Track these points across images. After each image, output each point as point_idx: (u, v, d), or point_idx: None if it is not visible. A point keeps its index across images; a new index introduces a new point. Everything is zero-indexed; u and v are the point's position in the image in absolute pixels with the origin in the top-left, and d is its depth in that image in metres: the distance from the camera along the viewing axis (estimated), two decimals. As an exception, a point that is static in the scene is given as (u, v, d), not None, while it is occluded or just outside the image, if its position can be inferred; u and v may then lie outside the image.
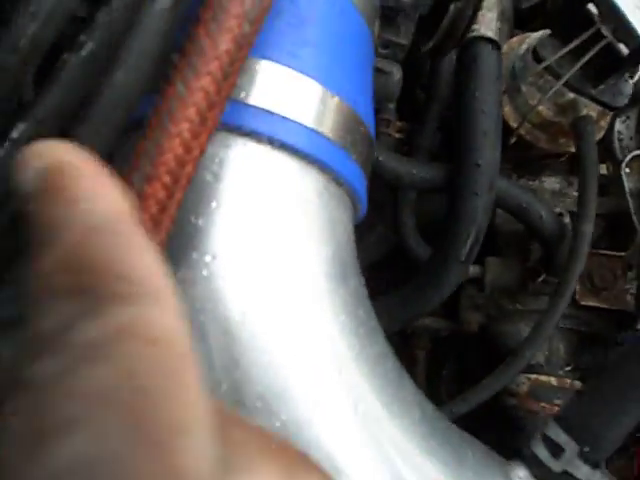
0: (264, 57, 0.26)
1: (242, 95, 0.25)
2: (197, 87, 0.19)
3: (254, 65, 0.25)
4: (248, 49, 0.21)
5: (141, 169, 0.19)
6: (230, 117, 0.24)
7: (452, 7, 0.36)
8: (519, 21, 0.55)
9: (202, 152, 0.20)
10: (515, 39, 0.49)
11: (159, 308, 0.13)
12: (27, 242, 0.15)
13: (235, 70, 0.20)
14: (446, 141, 0.57)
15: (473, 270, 0.55)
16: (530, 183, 0.57)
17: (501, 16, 0.44)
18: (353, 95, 0.29)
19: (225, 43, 0.20)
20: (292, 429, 0.23)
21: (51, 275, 0.13)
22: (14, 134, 0.20)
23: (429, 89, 0.55)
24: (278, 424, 0.23)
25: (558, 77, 0.42)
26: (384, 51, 0.41)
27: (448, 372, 0.68)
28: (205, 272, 0.24)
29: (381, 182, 0.49)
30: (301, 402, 0.23)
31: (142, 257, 0.14)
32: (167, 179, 0.19)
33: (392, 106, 0.52)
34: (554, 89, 0.41)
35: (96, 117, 0.19)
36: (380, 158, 0.45)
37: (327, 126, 0.27)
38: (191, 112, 0.19)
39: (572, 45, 0.40)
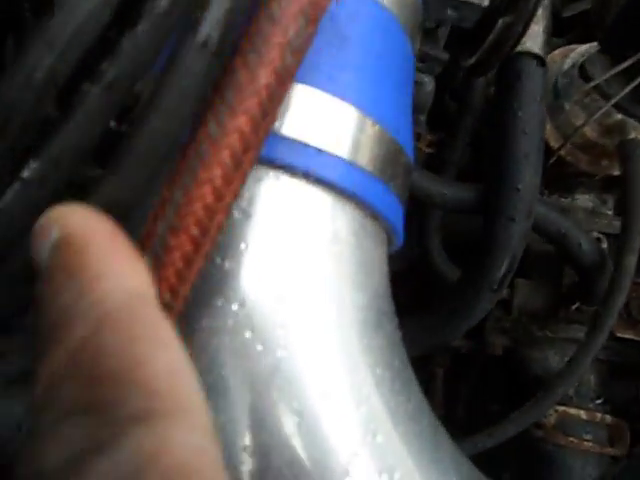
0: (300, 81, 0.23)
1: (276, 124, 0.22)
2: (232, 127, 0.17)
3: (289, 90, 0.23)
4: (290, 82, 0.18)
5: (166, 219, 0.17)
6: (262, 148, 0.22)
7: (500, 21, 0.33)
8: (557, 29, 0.52)
9: (235, 198, 0.18)
10: (557, 52, 0.47)
11: (186, 429, 0.11)
12: (35, 333, 0.13)
13: (275, 107, 0.18)
14: (476, 155, 0.55)
15: (501, 292, 0.53)
16: (562, 200, 0.55)
17: (546, 29, 0.41)
18: (394, 121, 0.26)
19: (265, 77, 0.17)
20: (322, 501, 0.21)
21: (58, 384, 0.12)
22: (25, 173, 0.17)
23: (462, 99, 0.52)
24: (307, 495, 0.21)
25: (606, 97, 0.39)
26: (421, 64, 0.39)
27: (467, 390, 0.65)
28: (231, 322, 0.21)
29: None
30: (333, 471, 0.21)
31: (163, 358, 0.12)
32: (195, 231, 0.17)
33: (423, 118, 0.49)
34: (602, 110, 0.38)
35: (129, 167, 0.16)
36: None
37: (366, 158, 0.24)
38: (224, 156, 0.17)
39: (624, 65, 0.37)
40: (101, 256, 0.14)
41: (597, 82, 0.39)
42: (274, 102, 0.18)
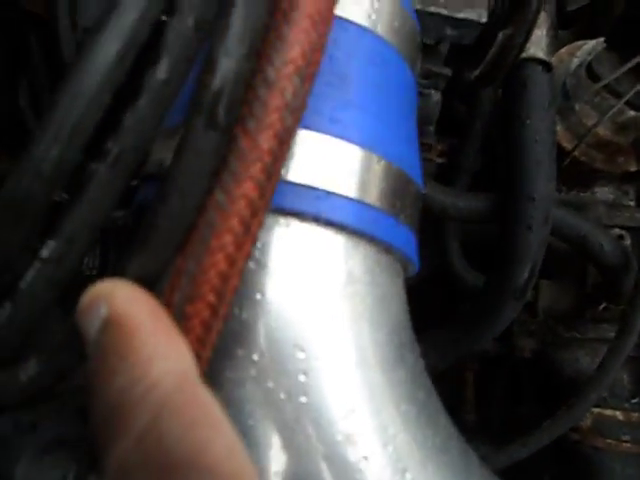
0: (303, 126, 0.23)
1: (282, 172, 0.23)
2: (239, 195, 0.17)
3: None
4: (290, 141, 0.19)
5: (182, 289, 0.17)
6: (271, 197, 0.22)
7: (500, 35, 0.33)
8: (563, 22, 0.51)
9: (246, 261, 0.18)
10: (564, 50, 0.46)
11: None
12: (92, 414, 0.14)
13: (278, 168, 0.18)
14: (488, 159, 0.54)
15: (524, 294, 0.52)
16: (581, 195, 0.54)
17: (550, 31, 0.40)
18: (400, 153, 0.26)
19: (266, 141, 0.17)
20: None
21: (129, 473, 0.13)
22: (44, 253, 0.18)
23: (469, 104, 0.52)
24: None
25: (617, 95, 0.39)
26: (424, 81, 0.39)
27: (498, 393, 0.65)
28: (253, 371, 0.22)
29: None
30: (364, 514, 0.21)
31: (222, 441, 0.13)
32: (211, 298, 0.17)
33: (432, 129, 0.49)
34: (614, 109, 0.38)
35: (155, 245, 0.17)
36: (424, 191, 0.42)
37: (374, 195, 0.25)
38: (234, 223, 0.17)
39: (633, 62, 0.36)
40: (150, 337, 0.15)
41: (606, 82, 0.38)
42: (277, 164, 0.18)
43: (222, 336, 0.22)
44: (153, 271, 0.17)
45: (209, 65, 0.17)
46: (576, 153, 0.43)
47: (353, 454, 0.22)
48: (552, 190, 0.38)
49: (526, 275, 0.40)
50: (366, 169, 0.24)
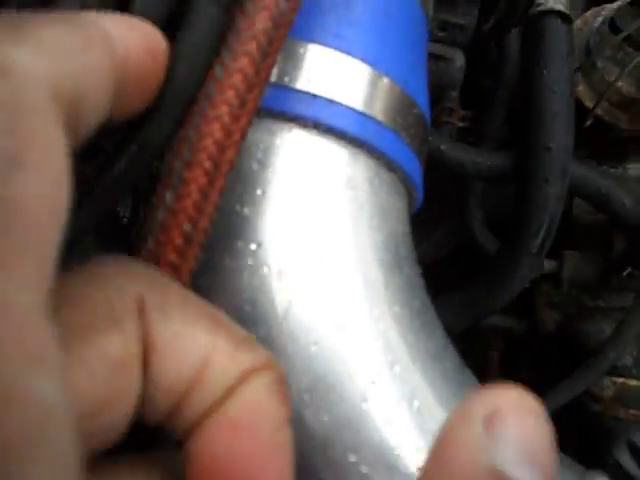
0: (308, 40, 0.25)
1: (286, 80, 0.24)
2: (235, 69, 0.19)
3: (298, 48, 0.25)
4: (287, 28, 0.20)
5: (182, 155, 0.19)
6: (274, 103, 0.24)
7: (514, -21, 0.34)
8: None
9: (243, 137, 0.20)
10: (590, 13, 0.46)
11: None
12: None
13: (274, 50, 0.20)
14: (516, 130, 0.54)
15: (548, 265, 0.52)
16: (612, 170, 0.53)
17: (572, -12, 0.41)
18: (403, 75, 0.28)
19: (262, 22, 0.19)
20: (342, 424, 0.22)
21: None
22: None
23: (495, 73, 0.52)
24: (326, 419, 0.22)
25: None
26: (442, 34, 0.39)
27: (525, 375, 0.64)
28: (250, 261, 0.23)
29: (446, 176, 0.47)
30: (351, 397, 0.22)
31: None
32: (208, 165, 0.19)
33: (455, 94, 0.50)
34: (635, 62, 0.37)
35: (159, 113, 0.18)
36: (442, 147, 0.42)
37: (377, 108, 0.26)
38: (230, 95, 0.19)
39: (655, 11, 0.36)
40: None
41: (627, 33, 0.38)
42: (273, 45, 0.20)
43: (223, 229, 0.23)
44: (158, 139, 0.19)
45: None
46: (599, 112, 0.43)
47: (342, 341, 0.23)
48: (570, 142, 0.38)
49: (543, 230, 0.40)
50: (368, 83, 0.26)
